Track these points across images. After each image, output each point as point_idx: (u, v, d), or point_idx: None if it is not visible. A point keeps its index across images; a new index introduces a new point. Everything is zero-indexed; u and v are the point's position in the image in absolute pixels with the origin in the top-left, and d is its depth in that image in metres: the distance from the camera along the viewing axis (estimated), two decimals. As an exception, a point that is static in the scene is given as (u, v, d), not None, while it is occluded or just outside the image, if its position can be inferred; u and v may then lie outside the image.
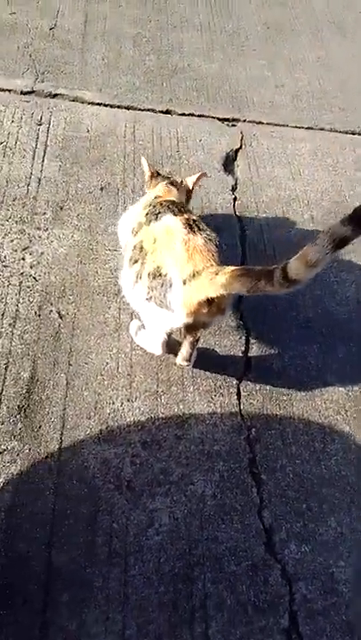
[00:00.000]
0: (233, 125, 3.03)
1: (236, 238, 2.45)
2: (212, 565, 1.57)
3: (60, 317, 2.03)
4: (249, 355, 2.04)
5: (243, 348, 2.05)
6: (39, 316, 2.02)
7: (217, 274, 1.49)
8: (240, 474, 1.75)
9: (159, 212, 1.73)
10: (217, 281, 1.48)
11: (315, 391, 2.00)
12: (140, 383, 1.90)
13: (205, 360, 1.96)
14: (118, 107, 2.98)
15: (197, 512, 1.65)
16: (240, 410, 1.90)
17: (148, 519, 1.62)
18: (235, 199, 2.61)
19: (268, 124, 3.10)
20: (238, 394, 1.94)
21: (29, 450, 1.69)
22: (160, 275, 1.61)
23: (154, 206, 1.79)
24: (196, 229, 1.64)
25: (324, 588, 1.58)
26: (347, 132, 3.16)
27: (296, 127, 3.12)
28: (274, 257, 2.40)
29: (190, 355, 1.85)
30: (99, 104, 2.97)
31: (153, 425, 1.81)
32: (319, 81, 3.49)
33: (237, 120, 3.07)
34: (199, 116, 3.04)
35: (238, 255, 2.39)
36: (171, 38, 3.52)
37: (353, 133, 3.16)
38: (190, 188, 2.10)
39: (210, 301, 1.54)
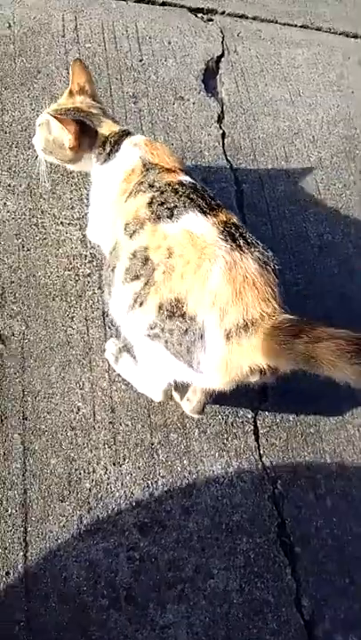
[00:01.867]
0: (210, 20, 2.23)
1: (232, 196, 1.82)
2: None
3: (2, 341, 1.39)
4: (265, 376, 1.55)
5: (257, 367, 1.55)
6: (-31, 341, 1.37)
7: (293, 333, 0.93)
8: (269, 550, 1.35)
9: (174, 206, 1.09)
10: (292, 347, 0.93)
11: (346, 417, 1.57)
12: (127, 434, 1.37)
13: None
14: (49, -15, 2.06)
15: (222, 618, 1.25)
16: (260, 455, 1.45)
17: None
18: (223, 135, 1.93)
19: (253, 18, 2.31)
20: (256, 432, 1.47)
21: (-20, 564, 1.17)
22: (182, 314, 1.03)
23: (161, 191, 1.14)
24: (242, 242, 1.04)
25: None
26: (348, 35, 2.45)
27: (288, 25, 2.37)
28: (278, 220, 1.82)
29: (205, 405, 1.32)
30: (19, -20, 2.03)
31: (151, 497, 1.32)
32: None
33: (214, 11, 2.26)
34: (163, 4, 2.20)
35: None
36: None
37: (356, 37, 2.46)
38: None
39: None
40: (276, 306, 0.99)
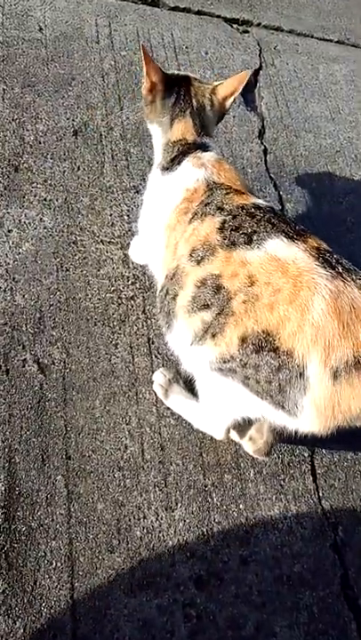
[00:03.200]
0: (245, 32, 2.15)
1: (275, 215, 1.72)
2: None
3: (42, 370, 1.27)
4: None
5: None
6: (6, 370, 1.24)
7: None
8: (333, 604, 1.23)
9: (254, 232, 0.99)
10: None
11: None
12: (178, 475, 1.25)
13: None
14: (81, -11, 1.97)
15: None
16: (319, 498, 1.33)
17: None
18: (265, 151, 1.84)
19: (288, 31, 2.24)
20: (313, 472, 1.36)
21: (23, 627, 1.03)
22: (274, 349, 0.92)
23: (233, 215, 1.03)
24: (341, 270, 0.94)
25: None
26: (384, 51, 2.39)
27: (324, 39, 2.30)
28: (326, 242, 1.73)
29: (272, 446, 1.21)
30: (51, -18, 1.94)
31: (207, 546, 1.20)
32: (342, -31, 2.60)
33: (250, 23, 2.19)
34: (199, 12, 2.12)
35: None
36: None
37: (392, 53, 2.40)
38: (224, 100, 1.28)
39: None
40: None
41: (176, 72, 1.29)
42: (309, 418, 0.93)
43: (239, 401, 1.03)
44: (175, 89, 1.24)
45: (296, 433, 1.04)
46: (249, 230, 1.00)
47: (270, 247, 0.97)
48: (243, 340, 0.95)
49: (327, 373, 0.89)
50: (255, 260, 0.97)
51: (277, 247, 0.96)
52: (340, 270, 0.94)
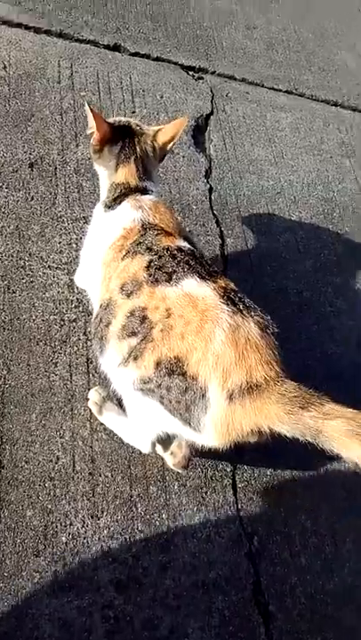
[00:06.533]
0: (200, 79, 2.33)
1: (216, 248, 1.87)
2: None
3: (-17, 385, 1.37)
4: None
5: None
6: None
7: (301, 405, 0.97)
8: (244, 609, 1.33)
9: (174, 271, 1.12)
10: (299, 418, 0.97)
11: (320, 472, 1.60)
12: (106, 485, 1.35)
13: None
14: (47, 32, 2.12)
15: None
16: (238, 510, 1.45)
17: None
18: (210, 190, 2.00)
19: (241, 80, 2.44)
20: (234, 486, 1.48)
21: None
22: (182, 373, 1.04)
23: (159, 255, 1.17)
24: (242, 307, 1.08)
25: None
26: (329, 102, 2.61)
27: (274, 89, 2.50)
28: (260, 276, 1.89)
29: (190, 460, 1.33)
30: (18, 25, 2.09)
31: (129, 552, 1.29)
32: (295, 26, 2.84)
33: (205, 71, 2.38)
34: (157, 59, 2.29)
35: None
36: None
37: (336, 105, 2.62)
38: (164, 145, 1.42)
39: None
40: (278, 369, 1.03)
41: (119, 119, 1.43)
42: (210, 434, 1.05)
43: (157, 417, 1.15)
44: (120, 137, 1.37)
45: (204, 447, 1.16)
46: (170, 270, 1.13)
47: (186, 285, 1.10)
48: (158, 364, 1.07)
49: (224, 395, 1.01)
50: (172, 295, 1.10)
51: (191, 286, 1.10)
52: (241, 308, 1.07)
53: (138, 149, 1.37)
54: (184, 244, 1.22)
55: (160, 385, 1.08)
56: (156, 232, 1.23)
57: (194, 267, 1.14)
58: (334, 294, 1.97)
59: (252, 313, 1.07)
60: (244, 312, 1.07)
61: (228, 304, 1.07)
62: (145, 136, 1.40)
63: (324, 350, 1.82)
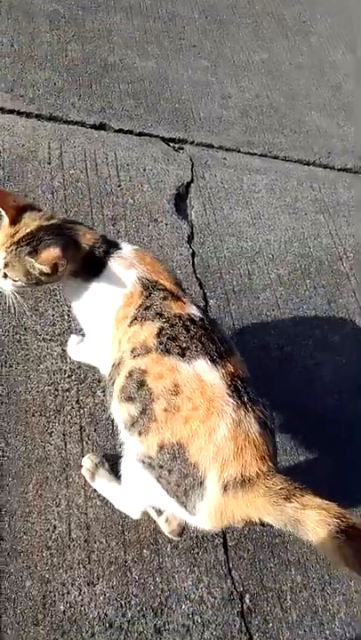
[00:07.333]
0: (180, 149, 2.51)
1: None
2: None
3: (-18, 459, 1.45)
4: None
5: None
6: None
7: (284, 496, 1.04)
8: (238, 669, 1.38)
9: (187, 347, 1.15)
10: (282, 509, 1.03)
11: (309, 526, 1.66)
12: (101, 552, 1.42)
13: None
14: (38, 116, 2.30)
15: None
16: (229, 569, 1.51)
17: None
18: (193, 254, 2.14)
19: (218, 147, 2.61)
20: (225, 545, 1.54)
21: None
22: (183, 459, 1.10)
23: (171, 324, 1.18)
24: (246, 399, 1.12)
25: None
26: (302, 162, 2.78)
27: (249, 153, 2.68)
28: (242, 334, 1.99)
29: (184, 528, 1.39)
30: (11, 111, 2.27)
31: (124, 617, 1.35)
32: (267, 92, 3.05)
33: (184, 141, 2.55)
34: (140, 134, 2.47)
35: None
36: (95, 21, 2.83)
37: (308, 164, 2.79)
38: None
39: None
40: (270, 464, 1.08)
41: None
42: (203, 518, 1.12)
43: (152, 492, 1.20)
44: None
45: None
46: (183, 345, 1.15)
47: (198, 366, 1.13)
48: (161, 447, 1.12)
49: (220, 486, 1.07)
50: (185, 372, 1.12)
51: (203, 368, 1.13)
52: (245, 400, 1.12)
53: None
54: (195, 312, 1.23)
55: (161, 466, 1.13)
56: (161, 292, 1.23)
57: (206, 345, 1.15)
58: (315, 347, 2.08)
59: (255, 407, 1.12)
60: (247, 405, 1.11)
61: (233, 396, 1.11)
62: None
63: (306, 403, 1.91)
